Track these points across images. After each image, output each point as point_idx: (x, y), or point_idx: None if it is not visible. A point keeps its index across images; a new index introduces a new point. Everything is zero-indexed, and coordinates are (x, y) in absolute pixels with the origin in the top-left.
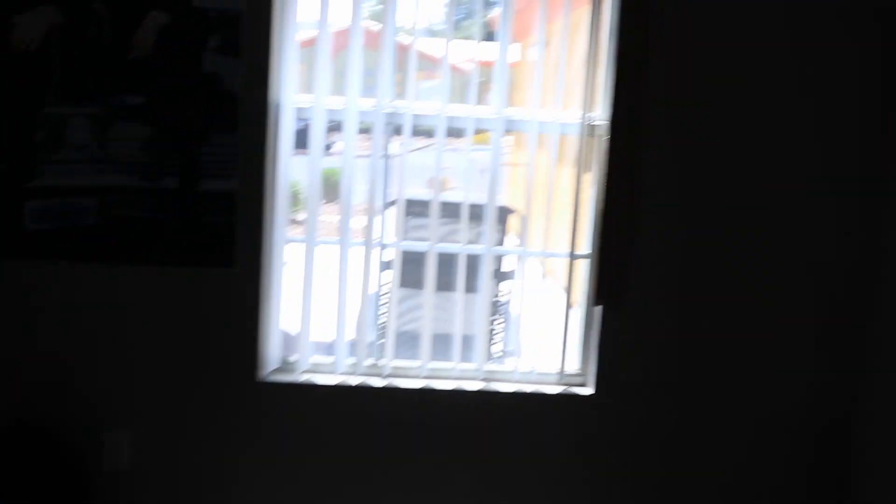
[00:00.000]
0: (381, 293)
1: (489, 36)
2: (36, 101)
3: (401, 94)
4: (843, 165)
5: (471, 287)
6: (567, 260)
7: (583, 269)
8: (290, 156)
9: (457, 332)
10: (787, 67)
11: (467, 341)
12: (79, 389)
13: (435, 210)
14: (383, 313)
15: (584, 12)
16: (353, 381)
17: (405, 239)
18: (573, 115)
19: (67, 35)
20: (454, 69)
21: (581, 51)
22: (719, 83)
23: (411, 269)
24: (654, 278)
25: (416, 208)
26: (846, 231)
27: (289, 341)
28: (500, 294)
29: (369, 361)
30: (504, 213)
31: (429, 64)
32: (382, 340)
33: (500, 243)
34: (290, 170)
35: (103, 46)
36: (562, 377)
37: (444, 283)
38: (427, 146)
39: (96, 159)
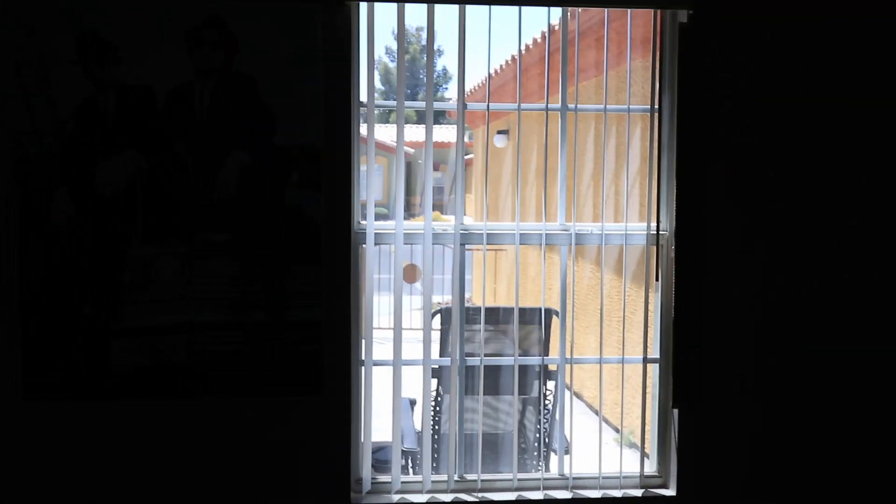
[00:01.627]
0: (432, 401)
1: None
2: (122, 242)
3: None
4: None
5: (520, 390)
6: (641, 364)
7: (654, 373)
8: (373, 282)
9: (509, 434)
10: (845, 154)
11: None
12: None
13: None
14: (435, 421)
15: (639, 123)
16: (445, 497)
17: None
18: (636, 227)
19: (152, 177)
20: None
21: (634, 161)
22: (779, 189)
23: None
24: (726, 379)
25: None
26: None
27: (378, 460)
28: (547, 394)
29: (456, 476)
30: (549, 316)
31: None
32: (426, 449)
33: (546, 344)
34: (373, 295)
35: (187, 188)
36: (642, 479)
37: (492, 386)
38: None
39: (184, 296)
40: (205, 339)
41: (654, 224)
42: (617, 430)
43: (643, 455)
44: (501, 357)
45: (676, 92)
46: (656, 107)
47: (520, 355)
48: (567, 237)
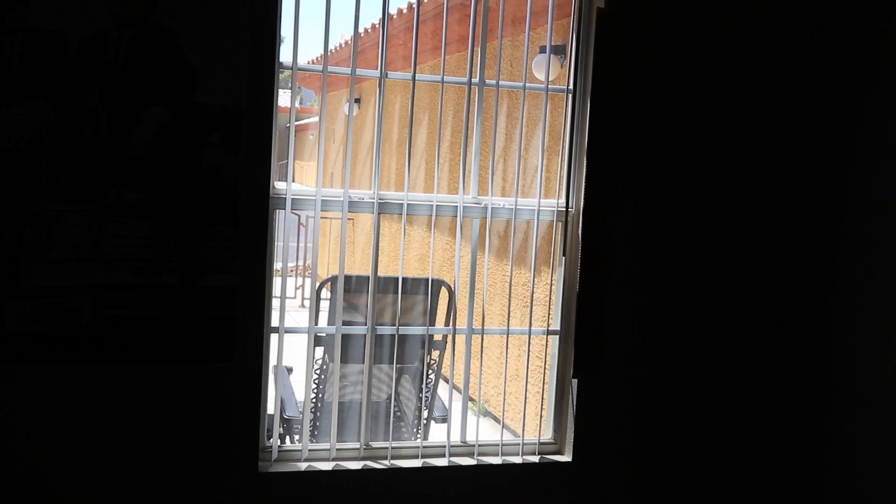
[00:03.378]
0: (315, 370)
1: None
2: (24, 197)
3: None
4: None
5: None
6: (544, 336)
7: (554, 344)
8: (288, 249)
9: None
10: (752, 142)
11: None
12: (73, 497)
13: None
14: (319, 389)
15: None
16: (353, 465)
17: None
18: (545, 203)
19: (60, 130)
20: None
21: (538, 140)
22: (684, 173)
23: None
24: (626, 349)
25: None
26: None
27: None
28: (430, 362)
29: (360, 443)
30: (438, 286)
31: None
32: (312, 418)
33: (434, 316)
34: (287, 262)
35: (99, 142)
36: (538, 446)
37: (379, 355)
38: None
39: (91, 258)
40: (113, 303)
41: (562, 201)
42: (482, 402)
43: (503, 425)
44: (410, 326)
45: (591, 74)
46: (570, 87)
47: (403, 325)
48: (481, 210)
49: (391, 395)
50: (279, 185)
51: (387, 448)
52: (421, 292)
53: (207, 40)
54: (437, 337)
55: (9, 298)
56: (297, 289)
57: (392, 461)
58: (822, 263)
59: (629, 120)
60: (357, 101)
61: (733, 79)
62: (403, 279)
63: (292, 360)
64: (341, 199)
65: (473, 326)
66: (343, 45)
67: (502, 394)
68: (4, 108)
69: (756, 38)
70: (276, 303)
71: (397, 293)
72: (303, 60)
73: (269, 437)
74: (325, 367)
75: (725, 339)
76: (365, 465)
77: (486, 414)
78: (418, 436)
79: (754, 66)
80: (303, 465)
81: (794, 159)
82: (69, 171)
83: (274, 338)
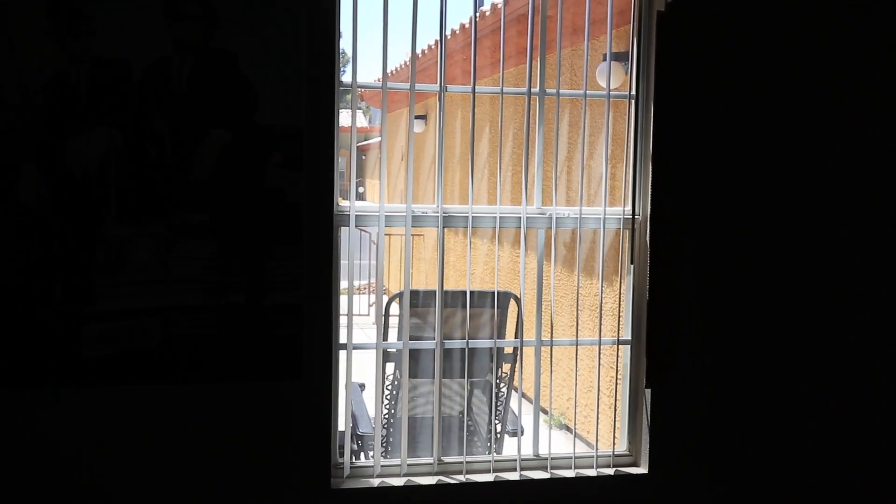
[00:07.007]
0: (387, 385)
1: None
2: (95, 223)
3: None
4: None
5: (481, 373)
6: (615, 346)
7: (625, 355)
8: (354, 266)
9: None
10: (820, 143)
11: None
12: None
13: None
14: (392, 405)
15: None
16: (425, 480)
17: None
18: (611, 211)
19: (127, 155)
20: None
21: (600, 147)
22: (752, 176)
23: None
24: (699, 357)
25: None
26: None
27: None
28: (502, 375)
29: (433, 459)
30: (506, 299)
31: None
32: (384, 433)
33: (503, 329)
34: (353, 279)
35: (164, 166)
36: (613, 459)
37: (449, 369)
38: None
39: (159, 279)
40: (182, 324)
41: (629, 208)
42: (557, 414)
43: (575, 435)
44: (477, 340)
45: (654, 79)
46: (633, 93)
47: (472, 339)
48: (545, 220)
49: (464, 409)
50: (343, 203)
51: (459, 463)
52: (488, 305)
53: (267, 61)
54: (508, 350)
55: (82, 322)
56: (370, 305)
57: (466, 476)
58: None
59: (694, 123)
60: (423, 117)
61: (800, 76)
62: (471, 292)
63: (365, 377)
64: (405, 213)
65: (543, 338)
66: (406, 64)
67: (574, 406)
68: (75, 137)
69: (824, 33)
70: (345, 320)
71: (465, 307)
72: (370, 79)
73: (342, 453)
74: (396, 382)
75: (801, 342)
76: (438, 480)
77: (563, 427)
78: (492, 450)
79: (822, 63)
80: (375, 482)
81: (874, 158)
82: (136, 195)
83: (343, 354)
